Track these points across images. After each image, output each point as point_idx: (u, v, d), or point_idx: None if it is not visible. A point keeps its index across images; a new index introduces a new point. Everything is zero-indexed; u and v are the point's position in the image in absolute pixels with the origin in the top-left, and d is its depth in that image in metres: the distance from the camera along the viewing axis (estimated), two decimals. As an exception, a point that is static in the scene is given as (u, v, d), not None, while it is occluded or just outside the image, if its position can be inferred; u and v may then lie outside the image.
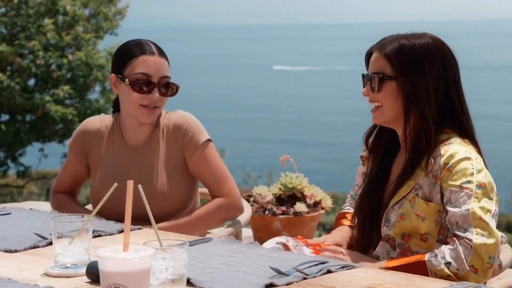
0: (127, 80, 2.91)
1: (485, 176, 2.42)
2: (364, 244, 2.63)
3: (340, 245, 2.65)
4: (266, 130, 34.54)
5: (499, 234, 2.37)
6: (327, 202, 4.88)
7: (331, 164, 26.28)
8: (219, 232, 2.92)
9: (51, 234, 2.24)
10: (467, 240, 2.33)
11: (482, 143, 2.56)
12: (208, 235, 2.88)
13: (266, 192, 4.89)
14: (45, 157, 14.59)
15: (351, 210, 2.82)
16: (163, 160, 2.97)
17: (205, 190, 3.10)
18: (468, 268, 2.31)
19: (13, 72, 13.33)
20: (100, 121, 3.07)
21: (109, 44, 13.77)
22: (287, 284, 2.04)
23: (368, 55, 2.62)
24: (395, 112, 2.54)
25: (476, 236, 2.32)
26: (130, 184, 1.78)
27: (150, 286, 1.79)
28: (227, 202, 2.97)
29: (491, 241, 2.33)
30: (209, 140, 2.98)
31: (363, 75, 2.60)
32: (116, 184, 2.01)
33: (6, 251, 2.37)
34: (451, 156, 2.43)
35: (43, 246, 2.42)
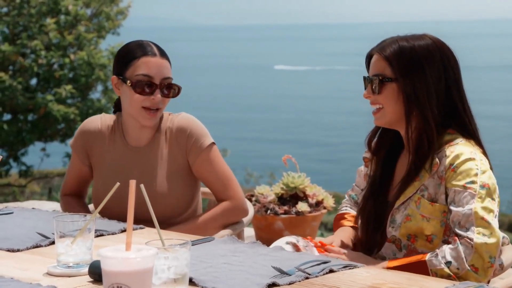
0: (128, 81, 2.90)
1: (489, 178, 2.42)
2: (369, 245, 2.63)
3: (347, 246, 2.66)
4: (266, 130, 34.53)
5: (500, 234, 2.37)
6: (329, 202, 4.89)
7: (331, 164, 26.27)
8: (221, 232, 2.92)
9: (53, 234, 2.24)
10: (468, 240, 2.33)
11: (482, 143, 2.57)
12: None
13: (268, 192, 4.89)
14: (47, 157, 14.61)
15: (349, 211, 2.82)
16: (165, 162, 2.97)
17: (207, 189, 3.10)
18: (468, 268, 2.32)
19: (15, 72, 13.34)
20: (101, 121, 3.06)
21: (111, 43, 13.78)
22: (290, 284, 2.04)
23: (369, 57, 2.63)
24: (397, 114, 2.54)
25: (477, 236, 2.33)
26: (132, 183, 1.78)
27: (153, 285, 1.79)
28: (233, 205, 2.97)
29: (492, 240, 2.33)
30: (213, 143, 2.98)
31: (364, 77, 2.60)
32: (118, 183, 2.01)
33: (8, 251, 2.38)
34: (457, 157, 2.44)
35: (45, 246, 2.43)
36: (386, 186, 2.64)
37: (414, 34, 2.58)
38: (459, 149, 2.46)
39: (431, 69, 2.50)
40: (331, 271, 2.15)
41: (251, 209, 3.14)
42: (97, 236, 2.51)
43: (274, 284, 2.02)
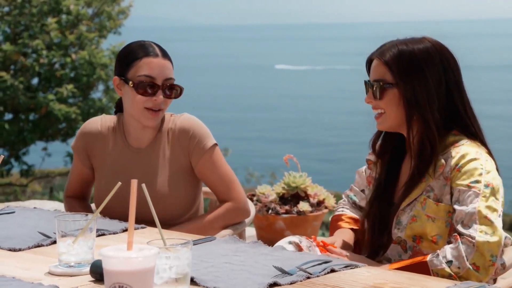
0: (131, 82, 2.89)
1: (493, 178, 2.43)
2: (375, 246, 2.63)
3: (349, 246, 2.66)
4: (267, 129, 34.51)
5: (503, 234, 2.38)
6: (331, 201, 4.89)
7: (331, 164, 26.25)
8: (222, 232, 2.93)
9: (55, 233, 2.24)
10: (470, 238, 2.33)
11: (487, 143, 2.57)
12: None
13: (270, 191, 4.90)
14: (48, 156, 14.60)
15: (346, 212, 2.81)
16: (167, 163, 2.97)
17: (208, 189, 3.10)
18: (469, 266, 2.32)
19: (16, 71, 13.33)
20: (101, 122, 3.06)
21: (112, 43, 13.78)
22: (291, 283, 2.04)
23: (369, 62, 2.63)
24: (398, 119, 2.55)
25: (479, 234, 2.33)
26: (134, 183, 1.79)
27: (154, 285, 1.79)
28: (235, 206, 2.97)
29: (494, 239, 2.33)
30: (216, 144, 2.98)
31: (365, 82, 2.61)
32: (120, 183, 2.01)
33: (10, 250, 2.38)
34: (462, 157, 2.45)
35: (47, 245, 2.43)
36: (391, 188, 2.65)
37: (413, 37, 2.58)
38: (465, 149, 2.46)
39: (431, 72, 2.51)
40: (333, 270, 2.15)
41: (252, 209, 3.15)
42: (98, 235, 2.51)
43: (275, 284, 2.02)
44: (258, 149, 29.06)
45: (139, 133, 2.99)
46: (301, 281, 2.06)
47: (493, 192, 2.41)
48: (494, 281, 2.43)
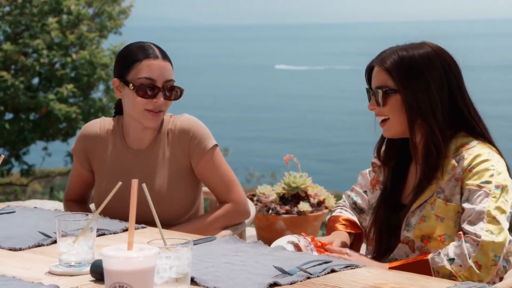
0: (131, 84, 2.89)
1: (504, 179, 2.44)
2: (382, 250, 2.63)
3: (346, 247, 2.66)
4: (267, 129, 34.50)
5: (509, 236, 2.38)
6: (331, 202, 4.89)
7: (331, 164, 26.24)
8: (222, 232, 2.93)
9: (55, 233, 2.25)
10: (475, 236, 2.34)
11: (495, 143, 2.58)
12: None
13: (270, 192, 4.90)
14: (48, 156, 14.60)
15: (343, 214, 2.80)
16: (167, 164, 2.97)
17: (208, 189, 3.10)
18: (471, 264, 2.32)
19: (17, 71, 13.33)
20: (100, 125, 3.05)
21: (113, 43, 13.78)
22: (291, 284, 2.04)
23: (369, 69, 2.64)
24: (403, 124, 2.55)
25: (485, 233, 2.34)
26: (134, 183, 1.79)
27: (154, 285, 1.80)
28: (235, 207, 2.97)
29: (499, 239, 2.34)
30: (216, 145, 2.98)
31: (367, 89, 2.62)
32: (120, 183, 2.02)
33: (10, 250, 2.38)
34: (474, 158, 2.46)
35: (47, 245, 2.43)
36: (398, 191, 2.65)
37: (413, 43, 2.60)
38: (477, 151, 2.48)
39: (432, 76, 2.51)
40: (333, 271, 2.15)
41: (252, 209, 3.15)
42: (99, 235, 2.52)
43: (275, 284, 2.03)
44: (258, 149, 29.05)
45: (139, 134, 2.98)
46: (301, 281, 2.06)
47: (503, 193, 2.42)
48: (501, 278, 2.43)
